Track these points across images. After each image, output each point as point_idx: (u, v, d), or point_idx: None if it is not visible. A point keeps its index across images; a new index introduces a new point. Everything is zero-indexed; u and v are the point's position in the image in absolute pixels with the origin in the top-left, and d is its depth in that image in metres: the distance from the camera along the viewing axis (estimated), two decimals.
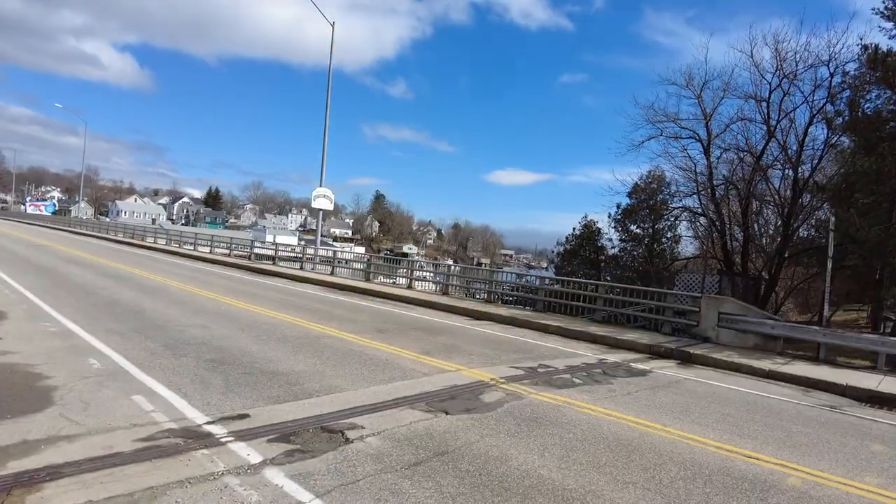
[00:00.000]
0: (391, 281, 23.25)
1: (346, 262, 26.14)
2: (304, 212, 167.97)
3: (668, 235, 26.75)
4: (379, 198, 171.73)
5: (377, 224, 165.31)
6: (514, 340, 12.48)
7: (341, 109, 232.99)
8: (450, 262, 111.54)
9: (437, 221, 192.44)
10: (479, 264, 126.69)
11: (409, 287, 21.36)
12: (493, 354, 10.46)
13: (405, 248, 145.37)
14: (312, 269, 26.16)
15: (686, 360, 12.01)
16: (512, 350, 11.20)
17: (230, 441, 5.26)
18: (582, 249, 27.64)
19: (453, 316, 15.93)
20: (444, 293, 20.34)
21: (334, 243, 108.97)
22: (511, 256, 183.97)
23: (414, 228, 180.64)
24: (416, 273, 22.51)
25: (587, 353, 11.68)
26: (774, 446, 6.61)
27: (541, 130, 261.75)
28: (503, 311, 16.60)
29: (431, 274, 23.34)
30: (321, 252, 27.80)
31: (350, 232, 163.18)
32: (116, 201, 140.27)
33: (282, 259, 28.81)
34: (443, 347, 10.70)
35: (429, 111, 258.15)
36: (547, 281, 18.49)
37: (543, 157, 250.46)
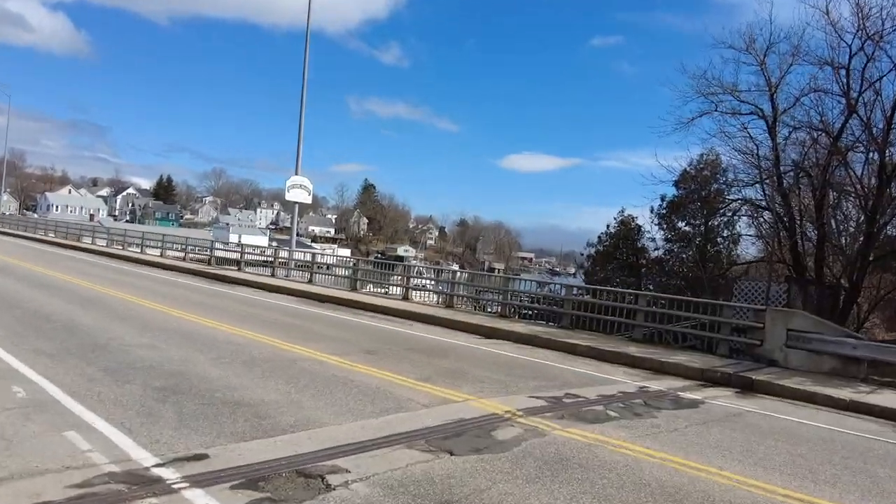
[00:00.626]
0: (383, 291, 23.62)
1: (328, 268, 26.42)
2: (277, 206, 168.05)
3: (725, 234, 26.73)
4: (368, 188, 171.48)
5: (366, 221, 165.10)
6: (534, 364, 12.65)
7: (322, 80, 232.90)
8: (455, 267, 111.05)
9: (438, 217, 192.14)
10: (492, 270, 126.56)
11: (405, 298, 21.68)
12: (508, 381, 10.58)
13: (400, 251, 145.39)
14: (286, 275, 26.50)
15: (747, 387, 12.15)
16: (531, 376, 11.32)
17: (185, 487, 5.24)
18: (618, 251, 27.84)
19: (459, 333, 16.10)
20: (448, 305, 20.58)
21: (313, 244, 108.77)
22: (530, 260, 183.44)
23: (411, 226, 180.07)
24: (414, 281, 22.68)
25: (625, 380, 11.85)
26: (857, 495, 6.62)
27: (566, 105, 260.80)
28: (520, 327, 16.79)
29: (432, 282, 23.49)
30: (297, 255, 28.24)
31: (332, 230, 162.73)
32: (46, 193, 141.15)
33: (249, 264, 29.20)
34: (446, 372, 10.81)
35: (428, 82, 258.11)
36: (575, 290, 18.78)
37: (570, 138, 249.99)
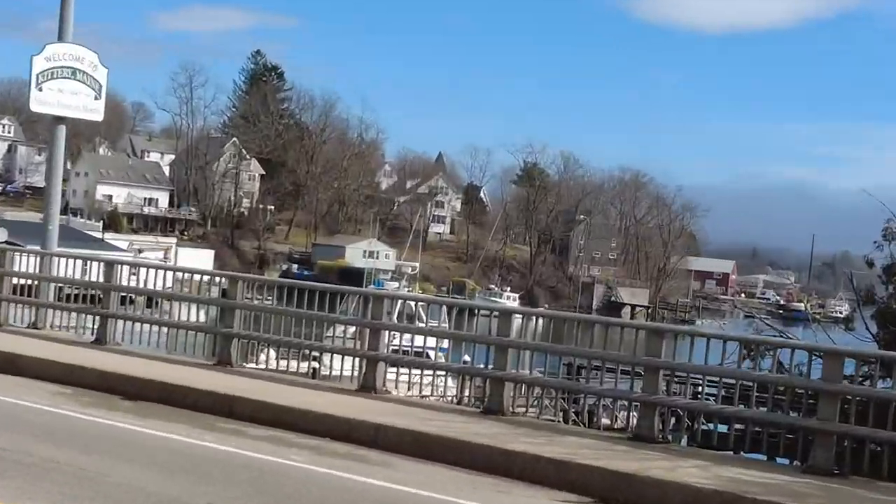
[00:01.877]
0: (306, 366, 14.47)
1: (153, 304, 16.15)
2: (7, 128, 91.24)
3: None
4: (261, 78, 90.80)
5: (258, 171, 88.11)
6: None
7: None
8: (509, 300, 69.98)
9: (462, 164, 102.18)
10: (614, 306, 79.86)
11: (365, 388, 12.80)
12: None
13: (353, 254, 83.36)
14: (36, 323, 16.53)
15: None
16: None
17: None
18: None
19: (518, 486, 8.68)
20: (489, 409, 12.11)
21: (110, 239, 62.40)
22: (726, 283, 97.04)
23: (383, 186, 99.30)
24: (390, 342, 13.47)
25: None
26: None
27: None
28: (696, 472, 9.09)
29: (442, 347, 14.75)
30: (67, 269, 16.82)
31: (166, 198, 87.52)
32: None
33: None
34: None
35: None
36: (850, 367, 10.15)
37: None
